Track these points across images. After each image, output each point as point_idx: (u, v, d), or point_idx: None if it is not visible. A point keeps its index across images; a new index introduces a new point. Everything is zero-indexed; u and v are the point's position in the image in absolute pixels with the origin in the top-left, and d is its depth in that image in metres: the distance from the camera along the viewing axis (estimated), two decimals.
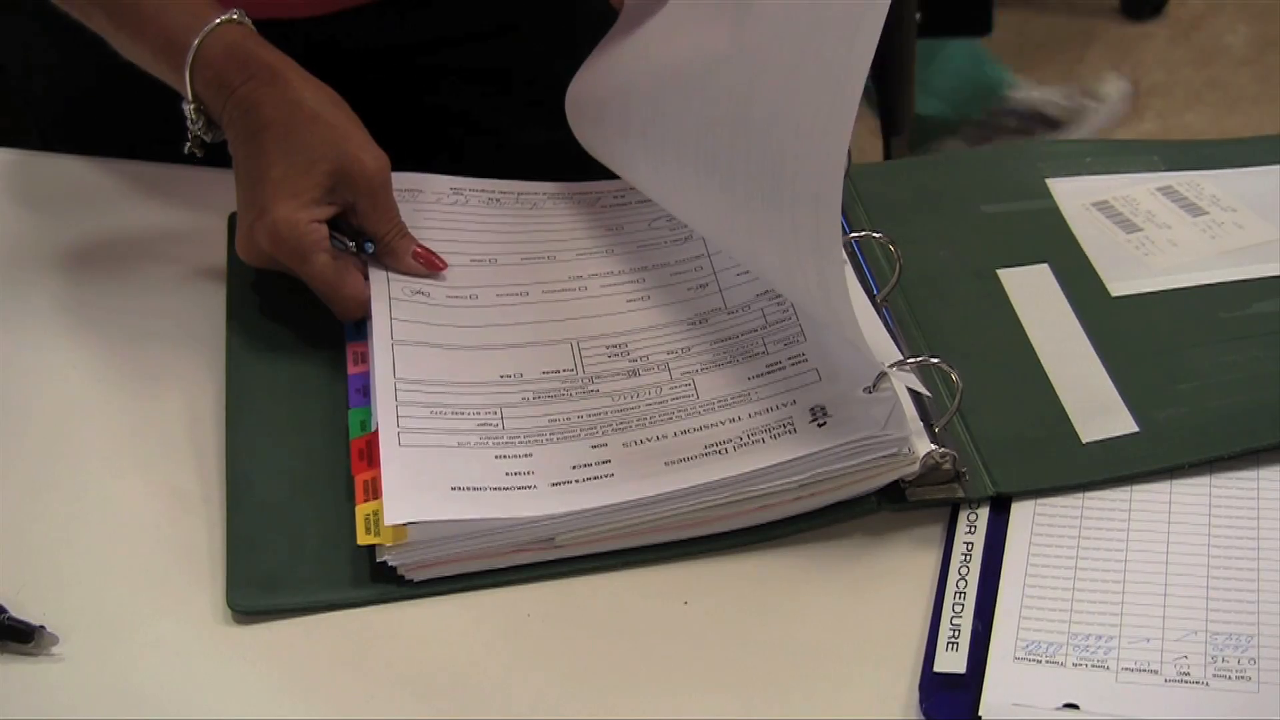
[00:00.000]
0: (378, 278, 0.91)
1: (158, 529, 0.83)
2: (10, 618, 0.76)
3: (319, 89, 0.92)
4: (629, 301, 0.92)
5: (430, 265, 0.92)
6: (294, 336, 0.92)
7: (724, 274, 0.93)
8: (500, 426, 0.83)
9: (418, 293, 0.91)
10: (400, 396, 0.84)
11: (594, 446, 0.82)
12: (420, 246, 0.93)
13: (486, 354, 0.88)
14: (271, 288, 0.94)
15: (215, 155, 0.95)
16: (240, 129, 0.91)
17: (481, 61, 1.14)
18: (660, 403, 0.85)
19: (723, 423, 0.83)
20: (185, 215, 1.03)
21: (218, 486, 0.84)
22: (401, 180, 0.95)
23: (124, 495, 0.85)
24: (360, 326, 0.91)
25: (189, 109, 0.93)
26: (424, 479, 0.79)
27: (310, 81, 0.92)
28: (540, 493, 0.79)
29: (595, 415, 0.84)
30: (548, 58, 1.12)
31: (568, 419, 0.84)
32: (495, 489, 0.79)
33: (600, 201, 1.01)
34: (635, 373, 0.87)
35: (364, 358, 0.89)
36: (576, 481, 0.80)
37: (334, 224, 0.91)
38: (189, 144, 0.94)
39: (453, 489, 0.79)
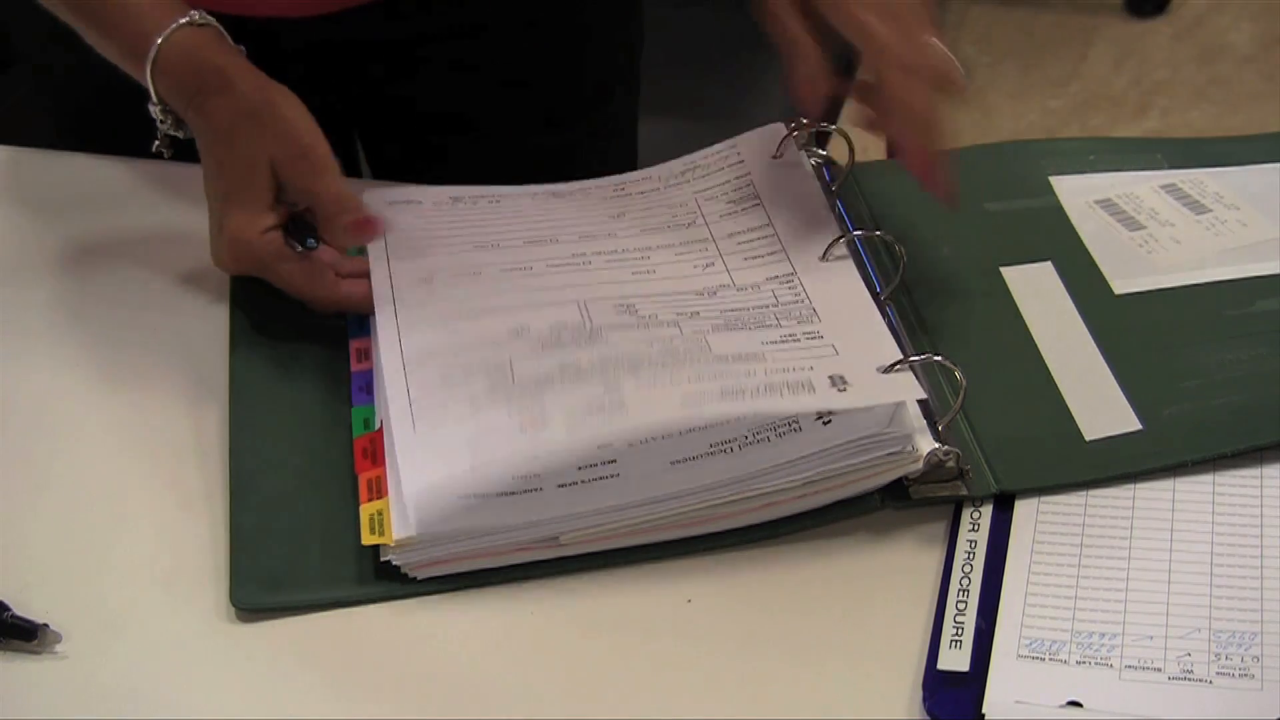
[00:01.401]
0: (380, 274, 0.91)
1: (160, 527, 0.83)
2: (13, 616, 0.76)
3: (264, 88, 0.90)
4: (634, 274, 0.92)
5: (367, 229, 0.90)
6: (297, 334, 0.92)
7: (730, 257, 0.93)
8: (510, 380, 0.82)
9: (422, 281, 0.91)
10: (409, 374, 0.84)
11: (607, 388, 0.80)
12: (358, 217, 0.90)
13: (493, 315, 0.87)
14: (274, 286, 0.94)
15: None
16: (200, 137, 0.91)
17: (485, 61, 1.14)
18: (672, 351, 0.83)
19: (738, 374, 0.81)
20: (188, 213, 1.03)
21: (220, 484, 0.84)
22: (400, 192, 0.94)
23: (127, 493, 0.85)
24: (363, 322, 0.91)
25: (155, 110, 0.92)
26: (441, 458, 0.79)
27: (256, 81, 0.90)
28: (545, 495, 0.79)
29: (606, 360, 0.82)
30: (556, 59, 1.12)
31: (578, 365, 0.83)
32: (501, 494, 0.79)
33: (599, 193, 1.01)
34: (645, 326, 0.86)
35: (367, 355, 0.89)
36: (582, 483, 0.80)
37: (296, 222, 0.91)
38: (158, 143, 0.94)
39: (472, 467, 0.78)
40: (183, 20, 0.91)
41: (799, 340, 0.85)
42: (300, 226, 0.91)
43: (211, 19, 0.92)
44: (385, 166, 1.21)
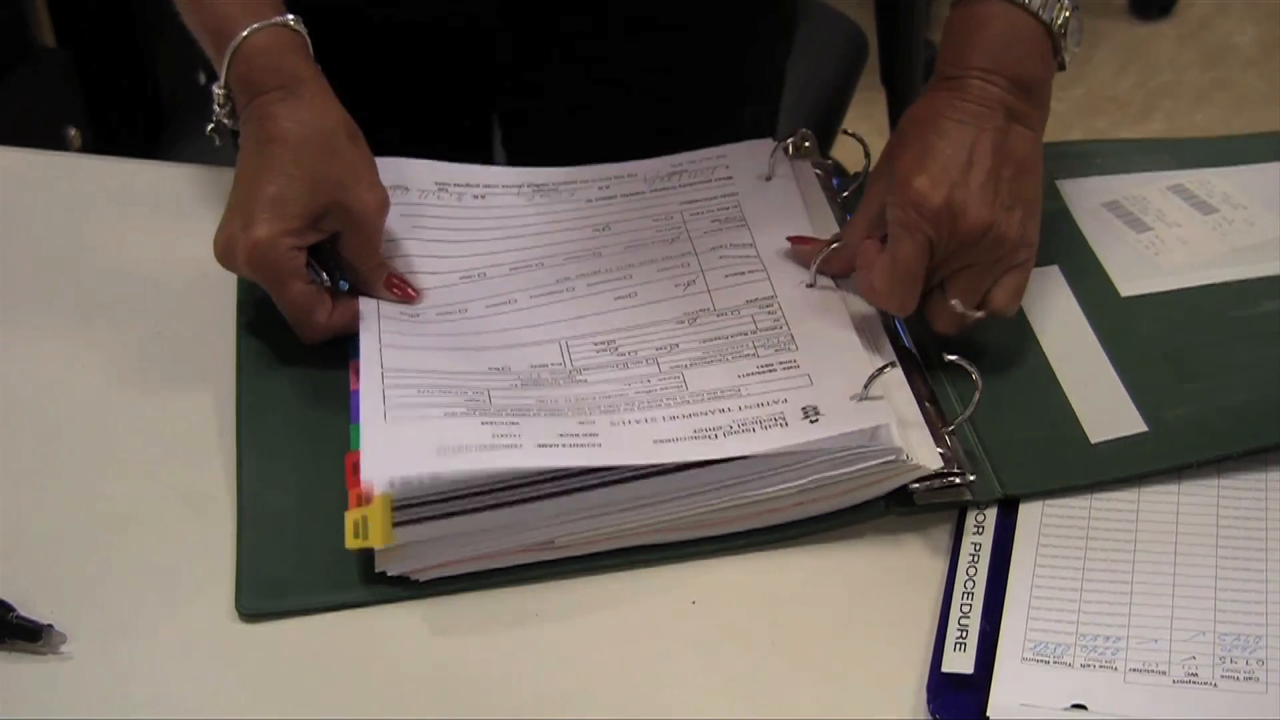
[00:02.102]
0: (368, 304, 0.91)
1: (166, 529, 0.83)
2: (18, 616, 0.76)
3: (340, 117, 0.91)
4: (616, 299, 0.92)
5: (404, 296, 0.92)
6: (302, 350, 0.91)
7: (711, 274, 0.92)
8: (488, 403, 0.83)
9: (406, 314, 0.91)
10: (387, 382, 0.84)
11: (581, 423, 0.82)
12: (395, 276, 0.92)
13: (474, 353, 0.88)
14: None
15: (227, 154, 0.94)
16: (254, 132, 0.90)
17: (621, 59, 1.14)
18: (649, 392, 0.85)
19: (712, 412, 0.82)
20: (201, 217, 1.03)
21: (226, 489, 0.84)
22: (385, 170, 0.93)
23: (133, 496, 0.85)
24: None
25: (219, 94, 0.92)
26: (408, 441, 0.79)
27: (334, 107, 0.91)
28: (526, 451, 0.78)
29: (583, 400, 0.84)
30: (705, 67, 1.11)
31: (555, 401, 0.84)
32: (481, 447, 0.78)
33: (583, 194, 1.00)
34: (624, 365, 0.87)
35: None
36: (563, 446, 0.79)
37: (313, 250, 0.90)
38: (211, 126, 0.94)
39: (439, 450, 0.78)
40: (278, 19, 0.91)
41: (775, 370, 0.85)
42: (329, 262, 0.91)
43: (303, 29, 0.92)
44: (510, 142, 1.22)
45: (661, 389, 0.85)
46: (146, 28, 2.07)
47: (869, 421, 0.79)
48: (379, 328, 0.89)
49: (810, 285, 0.90)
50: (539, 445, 0.79)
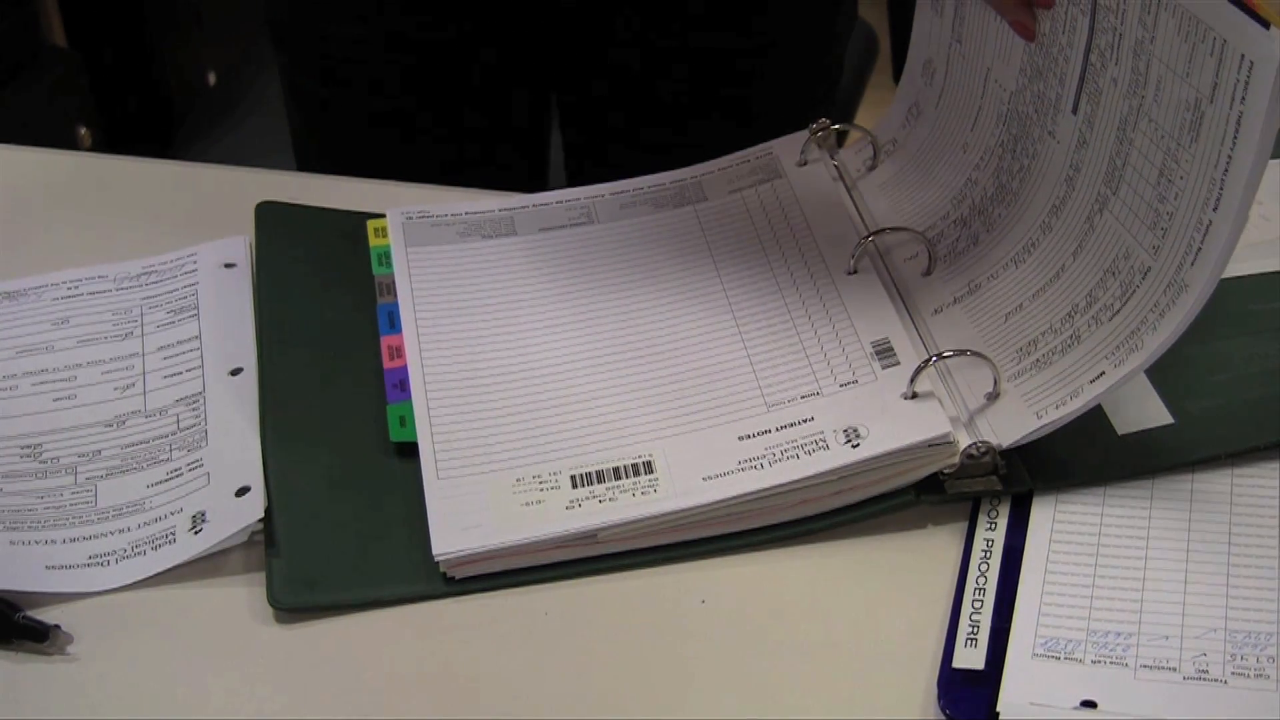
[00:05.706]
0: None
1: None
2: (25, 617, 0.76)
3: None
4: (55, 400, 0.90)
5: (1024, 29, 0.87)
6: (327, 332, 0.91)
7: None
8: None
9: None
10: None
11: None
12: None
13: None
14: (300, 282, 0.94)
15: (238, 154, 0.94)
16: None
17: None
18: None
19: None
20: (213, 216, 1.03)
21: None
22: None
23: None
24: (394, 319, 0.91)
25: None
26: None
27: None
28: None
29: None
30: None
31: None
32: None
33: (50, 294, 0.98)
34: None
35: (399, 352, 0.89)
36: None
37: None
38: None
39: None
40: None
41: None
42: None
43: None
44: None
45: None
46: (157, 27, 2.08)
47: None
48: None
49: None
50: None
